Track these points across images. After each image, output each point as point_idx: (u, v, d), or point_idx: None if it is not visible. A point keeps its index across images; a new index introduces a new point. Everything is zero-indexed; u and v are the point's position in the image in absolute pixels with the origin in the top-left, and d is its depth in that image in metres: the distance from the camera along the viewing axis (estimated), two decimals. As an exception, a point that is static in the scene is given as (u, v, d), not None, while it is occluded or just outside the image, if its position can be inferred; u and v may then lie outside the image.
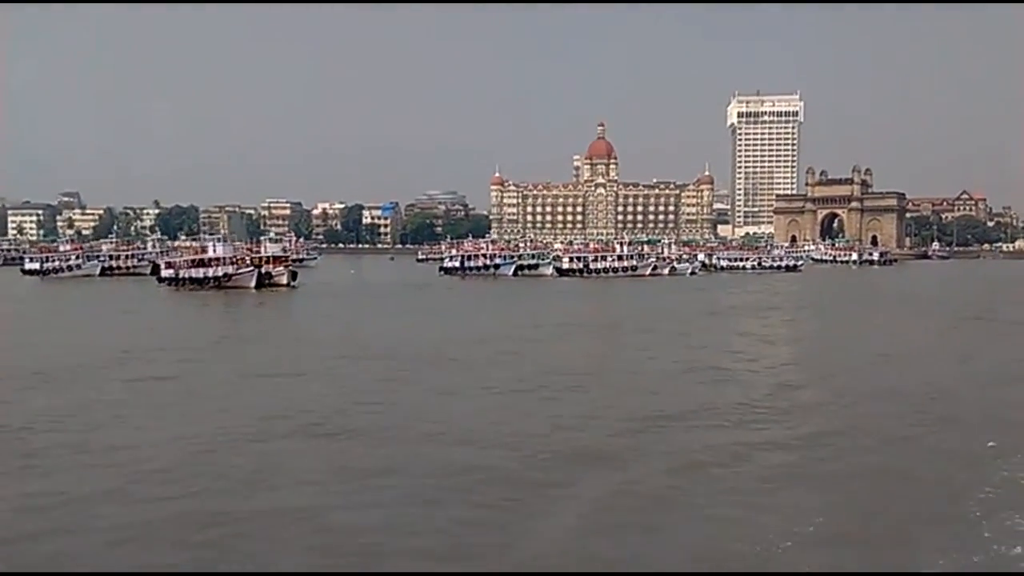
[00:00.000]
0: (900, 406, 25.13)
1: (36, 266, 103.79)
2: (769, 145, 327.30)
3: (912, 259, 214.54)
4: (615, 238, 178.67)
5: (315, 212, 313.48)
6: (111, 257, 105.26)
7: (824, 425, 22.61)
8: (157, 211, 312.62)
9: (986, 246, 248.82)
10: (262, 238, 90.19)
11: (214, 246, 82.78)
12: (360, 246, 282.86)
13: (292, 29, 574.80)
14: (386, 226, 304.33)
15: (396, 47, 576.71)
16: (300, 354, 36.30)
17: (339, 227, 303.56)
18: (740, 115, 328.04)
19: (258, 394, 26.79)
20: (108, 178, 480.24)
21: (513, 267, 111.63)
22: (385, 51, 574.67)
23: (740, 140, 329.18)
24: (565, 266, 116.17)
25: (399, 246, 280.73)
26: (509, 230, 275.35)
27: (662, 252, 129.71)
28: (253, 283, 77.93)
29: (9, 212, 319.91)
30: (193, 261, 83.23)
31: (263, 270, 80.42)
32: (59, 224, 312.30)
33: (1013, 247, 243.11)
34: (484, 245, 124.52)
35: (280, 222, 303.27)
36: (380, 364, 32.72)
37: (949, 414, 24.08)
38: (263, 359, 34.72)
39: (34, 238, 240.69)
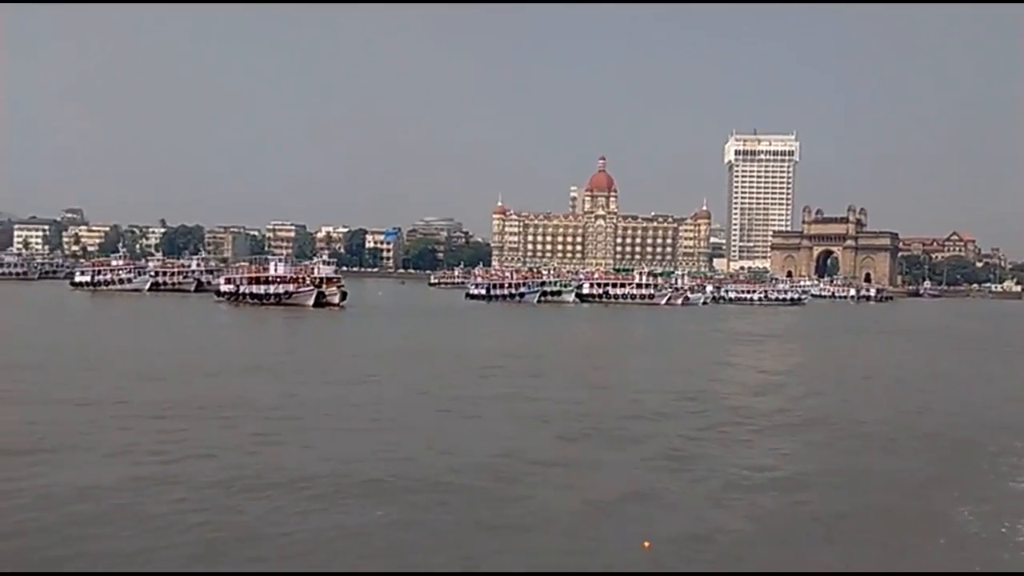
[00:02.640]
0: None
1: (87, 279, 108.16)
2: (765, 182, 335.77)
3: (904, 297, 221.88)
4: (634, 269, 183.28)
5: (319, 235, 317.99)
6: (159, 273, 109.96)
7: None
8: (163, 230, 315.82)
9: (975, 286, 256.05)
10: (314, 260, 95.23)
11: (275, 265, 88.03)
12: (363, 270, 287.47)
13: (295, 53, 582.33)
14: (388, 251, 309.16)
15: (397, 78, 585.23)
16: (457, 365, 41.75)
17: (342, 250, 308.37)
18: (737, 153, 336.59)
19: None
20: (111, 196, 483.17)
21: (538, 294, 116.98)
22: (386, 81, 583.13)
23: (737, 177, 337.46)
24: (586, 291, 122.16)
25: (400, 270, 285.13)
26: (510, 258, 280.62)
27: (675, 283, 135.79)
28: (311, 301, 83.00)
29: (15, 227, 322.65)
30: (252, 279, 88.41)
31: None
32: (65, 240, 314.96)
33: (1002, 287, 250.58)
34: (509, 273, 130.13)
35: (284, 244, 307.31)
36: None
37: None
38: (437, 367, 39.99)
39: (41, 254, 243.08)
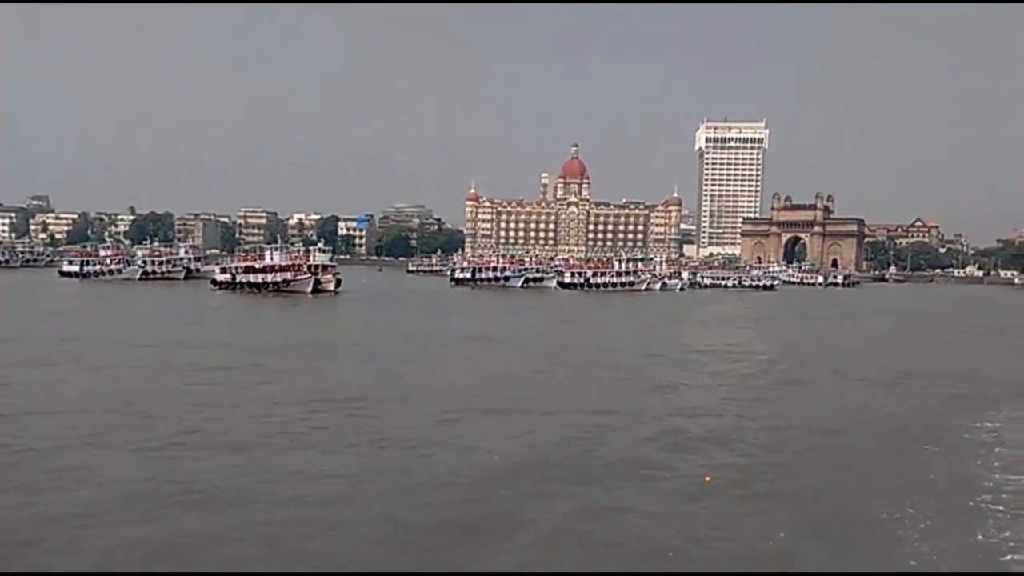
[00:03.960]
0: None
1: (75, 268, 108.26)
2: (735, 169, 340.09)
3: (870, 282, 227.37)
4: (608, 255, 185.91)
5: (291, 222, 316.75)
6: (148, 262, 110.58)
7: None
8: (132, 217, 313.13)
9: (938, 271, 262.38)
10: (311, 248, 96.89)
11: (271, 254, 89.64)
12: (336, 256, 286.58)
13: (264, 41, 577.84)
14: (361, 237, 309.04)
15: (365, 66, 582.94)
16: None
17: (314, 237, 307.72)
18: (708, 140, 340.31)
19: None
20: (78, 182, 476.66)
21: (522, 279, 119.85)
22: (355, 69, 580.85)
23: (707, 164, 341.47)
24: (567, 280, 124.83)
25: (373, 257, 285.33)
26: (483, 245, 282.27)
27: (654, 269, 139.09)
28: (310, 288, 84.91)
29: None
30: (248, 267, 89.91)
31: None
32: (32, 228, 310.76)
33: (964, 273, 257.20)
34: (495, 257, 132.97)
35: (256, 231, 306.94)
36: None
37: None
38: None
39: (22, 242, 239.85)
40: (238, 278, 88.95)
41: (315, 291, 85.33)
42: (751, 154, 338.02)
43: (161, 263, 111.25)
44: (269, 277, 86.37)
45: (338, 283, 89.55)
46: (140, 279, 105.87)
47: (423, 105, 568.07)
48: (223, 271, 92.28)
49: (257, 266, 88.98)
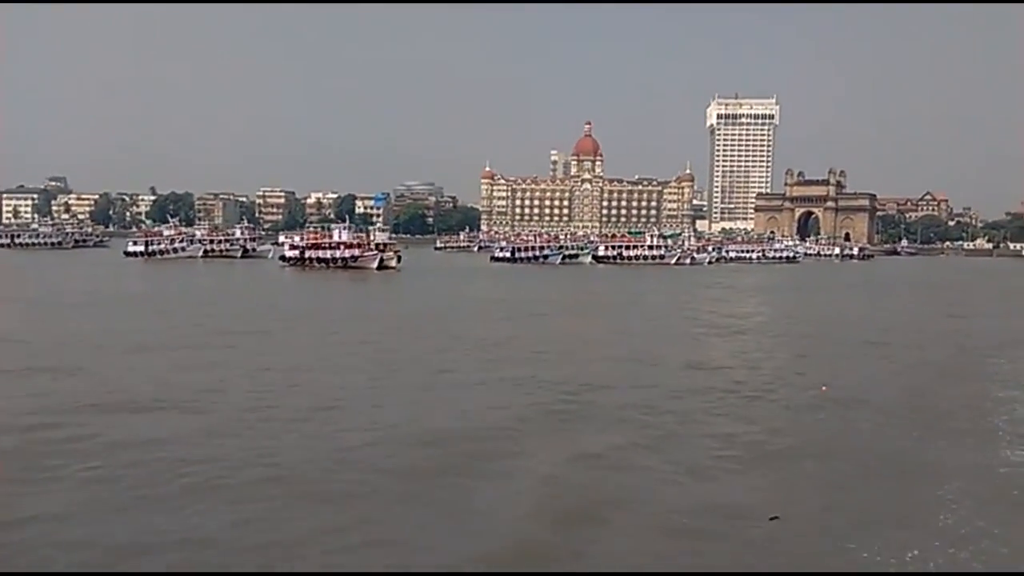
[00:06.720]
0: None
1: (140, 248, 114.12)
2: (746, 145, 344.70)
3: (883, 255, 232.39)
4: (625, 231, 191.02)
5: (308, 201, 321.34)
6: (208, 241, 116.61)
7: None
8: (153, 197, 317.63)
9: (948, 244, 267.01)
10: (370, 227, 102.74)
11: (339, 232, 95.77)
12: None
13: (276, 24, 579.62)
14: (378, 216, 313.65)
15: (383, 44, 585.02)
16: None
17: (332, 216, 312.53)
18: (719, 116, 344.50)
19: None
20: (95, 163, 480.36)
21: (561, 256, 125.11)
22: (367, 47, 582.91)
23: (718, 140, 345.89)
24: (601, 253, 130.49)
25: (393, 235, 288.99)
26: (498, 222, 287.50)
27: (683, 244, 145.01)
28: (375, 265, 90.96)
29: (3, 197, 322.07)
30: (316, 244, 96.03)
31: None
32: (54, 208, 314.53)
33: (973, 245, 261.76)
34: (532, 237, 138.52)
35: (274, 210, 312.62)
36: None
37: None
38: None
39: (71, 223, 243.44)
40: (307, 254, 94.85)
41: (380, 267, 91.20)
42: (762, 130, 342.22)
43: (220, 242, 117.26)
44: (337, 253, 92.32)
45: (399, 259, 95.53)
46: (202, 257, 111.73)
47: (431, 84, 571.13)
48: (292, 248, 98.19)
49: (326, 243, 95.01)
